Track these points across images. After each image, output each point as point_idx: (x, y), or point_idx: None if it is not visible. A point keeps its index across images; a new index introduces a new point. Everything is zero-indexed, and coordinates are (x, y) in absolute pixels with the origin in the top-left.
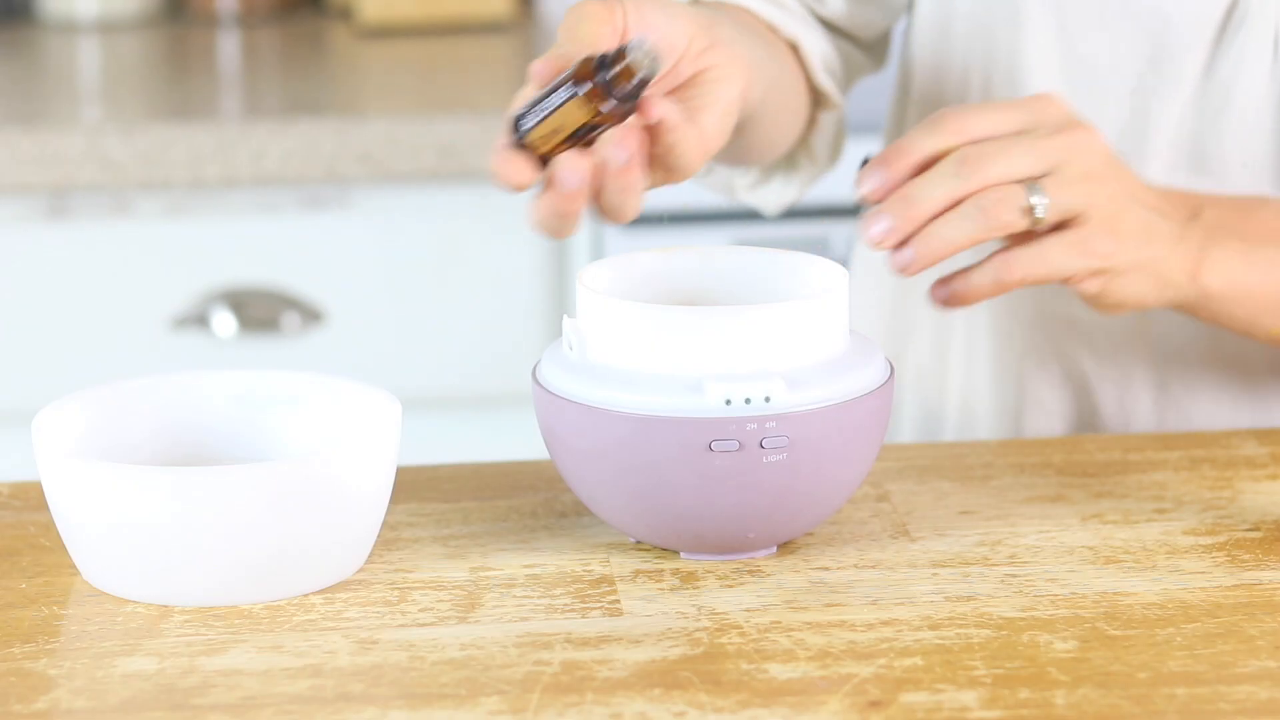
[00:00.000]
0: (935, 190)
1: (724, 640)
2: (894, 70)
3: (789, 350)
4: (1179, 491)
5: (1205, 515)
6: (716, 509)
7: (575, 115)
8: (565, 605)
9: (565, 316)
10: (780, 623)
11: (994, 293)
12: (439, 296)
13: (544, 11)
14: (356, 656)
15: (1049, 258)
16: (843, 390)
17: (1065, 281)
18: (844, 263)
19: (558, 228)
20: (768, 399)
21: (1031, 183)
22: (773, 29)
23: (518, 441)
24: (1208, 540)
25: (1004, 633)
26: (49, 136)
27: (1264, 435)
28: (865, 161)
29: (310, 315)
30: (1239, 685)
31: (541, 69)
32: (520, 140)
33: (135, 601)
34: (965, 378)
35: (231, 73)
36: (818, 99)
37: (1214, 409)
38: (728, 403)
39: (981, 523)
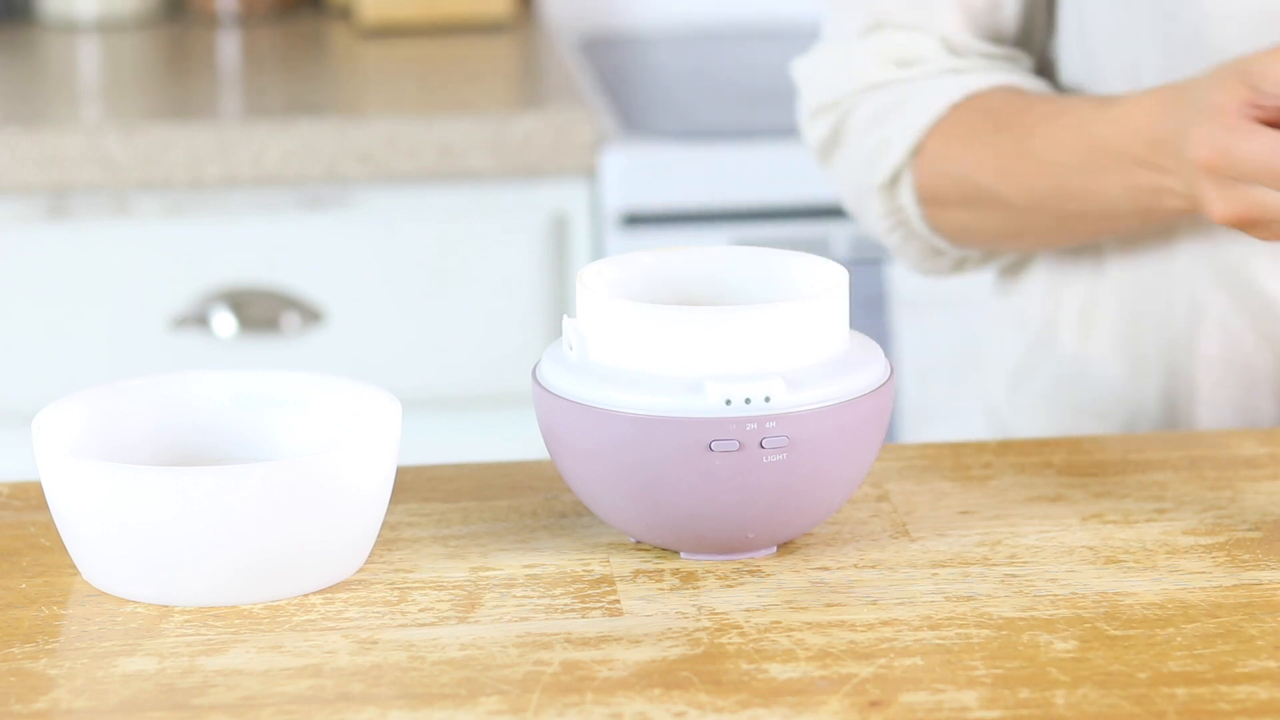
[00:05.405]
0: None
1: (724, 640)
2: None
3: (789, 350)
4: (1179, 491)
5: (1205, 515)
6: (716, 509)
7: None
8: (565, 605)
9: (565, 316)
10: (780, 623)
11: None
12: (439, 296)
13: (544, 11)
14: (356, 656)
15: None
16: (843, 390)
17: None
18: (844, 264)
19: None
20: (768, 399)
21: None
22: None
23: (518, 441)
24: (1208, 540)
25: (1004, 633)
26: (49, 136)
27: (1264, 435)
28: None
29: (310, 315)
30: (1239, 685)
31: None
32: None
33: (135, 601)
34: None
35: (231, 73)
36: None
37: None
38: (728, 403)
39: (981, 523)
